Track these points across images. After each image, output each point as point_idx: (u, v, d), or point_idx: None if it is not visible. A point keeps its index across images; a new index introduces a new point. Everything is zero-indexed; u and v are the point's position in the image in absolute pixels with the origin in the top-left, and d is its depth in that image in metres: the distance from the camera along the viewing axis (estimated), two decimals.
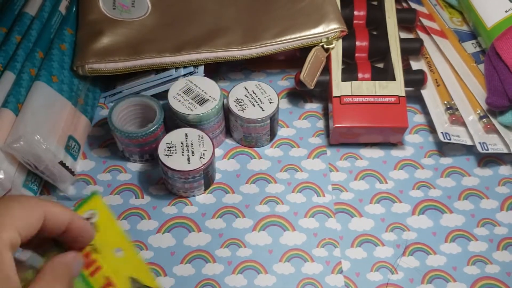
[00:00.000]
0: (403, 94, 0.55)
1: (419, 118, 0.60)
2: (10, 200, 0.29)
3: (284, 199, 0.53)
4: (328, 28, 0.57)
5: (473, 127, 0.55)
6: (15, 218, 0.28)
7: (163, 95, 0.54)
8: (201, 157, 0.49)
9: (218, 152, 0.56)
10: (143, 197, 0.53)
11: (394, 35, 0.58)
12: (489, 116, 0.55)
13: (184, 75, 0.56)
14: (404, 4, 0.66)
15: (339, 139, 0.56)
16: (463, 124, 0.56)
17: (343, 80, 0.56)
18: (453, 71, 0.59)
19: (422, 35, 0.62)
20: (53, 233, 0.31)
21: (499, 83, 0.54)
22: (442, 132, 0.55)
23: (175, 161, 0.49)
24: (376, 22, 0.61)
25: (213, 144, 0.50)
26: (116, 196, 0.53)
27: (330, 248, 0.50)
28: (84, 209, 0.38)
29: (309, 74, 0.55)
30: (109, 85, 0.60)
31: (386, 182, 0.54)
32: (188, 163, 0.49)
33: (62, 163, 0.49)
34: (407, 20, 0.62)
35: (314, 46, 0.56)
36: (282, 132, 0.58)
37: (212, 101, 0.52)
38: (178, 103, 0.52)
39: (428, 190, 0.54)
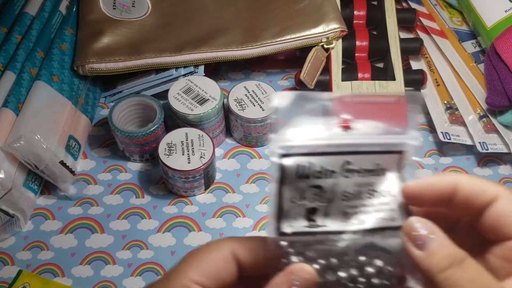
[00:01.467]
0: (403, 94, 0.55)
1: (419, 118, 0.60)
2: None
3: None
4: (328, 28, 0.57)
5: (473, 127, 0.55)
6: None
7: (164, 95, 0.54)
8: (201, 157, 0.49)
9: (218, 151, 0.56)
10: (144, 196, 0.53)
11: (394, 35, 0.58)
12: (489, 115, 0.55)
13: (184, 75, 0.56)
14: (404, 4, 0.66)
15: None
16: (463, 123, 0.56)
17: (343, 80, 0.56)
18: (453, 71, 0.59)
19: (422, 35, 0.62)
20: None
21: (499, 82, 0.54)
22: (442, 132, 0.55)
23: (175, 161, 0.49)
24: (376, 22, 0.61)
25: (213, 143, 0.50)
26: (116, 195, 0.53)
27: None
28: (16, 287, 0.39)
29: (309, 74, 0.55)
30: (110, 85, 0.60)
31: None
32: (189, 162, 0.49)
33: (62, 163, 0.49)
34: (407, 20, 0.62)
35: (314, 46, 0.56)
36: None
37: (212, 101, 0.52)
38: (179, 102, 0.52)
39: None
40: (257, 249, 0.26)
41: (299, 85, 0.57)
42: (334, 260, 0.25)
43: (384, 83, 0.55)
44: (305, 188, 0.25)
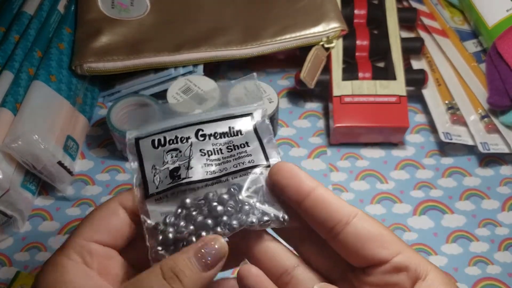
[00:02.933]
0: (404, 94, 0.54)
1: (420, 118, 0.59)
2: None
3: None
4: (329, 27, 0.56)
5: (475, 127, 0.55)
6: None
7: (162, 95, 0.54)
8: None
9: None
10: None
11: (395, 34, 0.58)
12: (490, 116, 0.55)
13: (183, 74, 0.56)
14: (405, 3, 0.66)
15: (340, 139, 0.56)
16: (464, 124, 0.55)
17: (344, 79, 0.55)
18: (454, 70, 0.59)
19: (423, 34, 0.61)
20: None
21: (500, 82, 0.54)
22: (443, 132, 0.55)
23: None
24: (377, 21, 0.61)
25: None
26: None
27: None
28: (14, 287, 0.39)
29: (309, 73, 0.55)
30: (108, 85, 0.60)
31: (387, 182, 0.54)
32: None
33: (60, 163, 0.49)
34: (408, 19, 0.61)
35: (314, 45, 0.56)
36: (282, 132, 0.58)
37: (212, 101, 0.52)
38: (177, 102, 0.52)
39: (429, 190, 0.53)
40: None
41: (299, 85, 0.56)
42: (195, 202, 0.29)
43: (385, 82, 0.55)
44: (163, 154, 0.30)
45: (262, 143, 0.31)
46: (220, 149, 0.30)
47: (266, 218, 0.28)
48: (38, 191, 0.52)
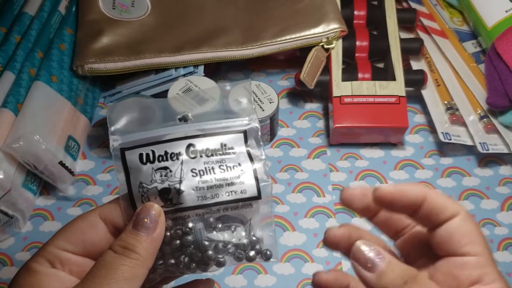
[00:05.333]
0: (403, 94, 0.55)
1: (419, 118, 0.60)
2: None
3: (284, 199, 0.53)
4: (328, 28, 0.57)
5: (474, 127, 0.55)
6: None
7: (163, 95, 0.54)
8: None
9: None
10: None
11: (395, 35, 0.58)
12: (489, 116, 0.55)
13: (184, 75, 0.56)
14: (404, 4, 0.66)
15: (339, 139, 0.56)
16: (464, 124, 0.56)
17: (343, 80, 0.56)
18: (453, 71, 0.59)
19: (422, 35, 0.62)
20: None
21: (499, 83, 0.54)
22: (442, 132, 0.55)
23: None
24: (376, 22, 0.61)
25: None
26: (115, 196, 0.52)
27: None
28: None
29: (309, 74, 0.55)
30: (109, 85, 0.60)
31: (386, 182, 0.54)
32: None
33: (61, 163, 0.49)
34: (407, 20, 0.62)
35: (314, 46, 0.56)
36: (282, 132, 0.58)
37: (212, 101, 0.52)
38: (178, 103, 0.52)
39: None
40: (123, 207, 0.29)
41: (299, 85, 0.57)
42: (186, 229, 0.29)
43: (385, 83, 0.55)
44: (151, 171, 0.29)
45: (254, 167, 0.30)
46: (213, 168, 0.29)
47: (252, 253, 0.29)
48: (39, 191, 0.52)
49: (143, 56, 0.55)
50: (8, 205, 0.47)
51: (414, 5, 0.64)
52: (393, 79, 0.56)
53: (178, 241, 0.29)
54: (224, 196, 0.29)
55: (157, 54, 0.55)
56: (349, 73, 0.56)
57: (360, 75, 0.56)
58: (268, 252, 0.30)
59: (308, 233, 0.50)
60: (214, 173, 0.29)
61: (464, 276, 0.25)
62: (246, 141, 0.30)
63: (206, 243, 0.29)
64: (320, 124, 0.59)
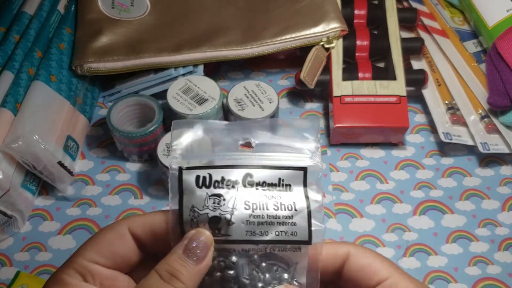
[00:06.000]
0: (404, 94, 0.54)
1: (420, 118, 0.59)
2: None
3: None
4: (329, 27, 0.56)
5: (475, 127, 0.55)
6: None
7: (162, 95, 0.54)
8: None
9: None
10: (142, 197, 0.52)
11: (395, 34, 0.58)
12: (490, 116, 0.55)
13: (184, 75, 0.56)
14: (405, 3, 0.66)
15: (340, 139, 0.56)
16: (465, 124, 0.55)
17: (344, 79, 0.55)
18: (454, 70, 0.59)
19: (423, 35, 0.61)
20: None
21: (500, 82, 0.54)
22: (443, 132, 0.55)
23: None
24: (377, 21, 0.61)
25: None
26: (115, 196, 0.52)
27: None
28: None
29: (309, 73, 0.55)
30: (108, 85, 0.60)
31: (387, 183, 0.54)
32: None
33: (60, 163, 0.49)
34: (408, 19, 0.61)
35: (314, 46, 0.56)
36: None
37: (212, 101, 0.52)
38: (177, 102, 0.52)
39: (429, 190, 0.53)
40: (153, 223, 0.28)
41: (299, 85, 0.56)
42: (230, 263, 0.28)
43: (385, 82, 0.55)
44: (205, 196, 0.28)
45: (310, 209, 0.28)
46: (266, 204, 0.28)
47: None
48: (38, 191, 0.52)
49: (143, 56, 0.55)
50: (7, 205, 0.46)
51: (414, 5, 0.64)
52: (394, 78, 0.55)
53: (219, 274, 0.28)
54: (273, 235, 0.28)
55: (157, 53, 0.55)
56: (350, 72, 0.56)
57: (360, 75, 0.56)
58: None
59: None
60: (267, 209, 0.28)
61: None
62: (305, 179, 0.29)
63: (247, 281, 0.28)
64: (321, 124, 0.59)
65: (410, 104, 0.60)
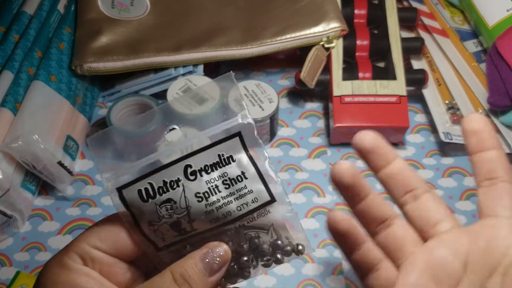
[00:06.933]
0: (404, 94, 0.54)
1: (420, 118, 0.59)
2: None
3: None
4: (329, 27, 0.56)
5: None
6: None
7: (162, 95, 0.54)
8: None
9: None
10: None
11: (395, 34, 0.58)
12: (490, 115, 0.55)
13: (183, 74, 0.55)
14: (405, 3, 0.66)
15: (340, 139, 0.56)
16: None
17: (344, 79, 0.55)
18: (454, 70, 0.59)
19: (423, 34, 0.61)
20: None
21: (500, 82, 0.54)
22: (443, 132, 0.55)
23: None
24: (377, 21, 0.61)
25: None
26: None
27: (331, 249, 0.49)
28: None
29: (309, 73, 0.55)
30: (108, 85, 0.60)
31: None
32: None
33: (60, 163, 0.49)
34: (408, 19, 0.61)
35: (314, 45, 0.56)
36: (282, 132, 0.58)
37: (212, 101, 0.52)
38: (177, 102, 0.52)
39: None
40: (117, 240, 0.28)
41: (299, 85, 0.56)
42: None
43: (385, 82, 0.55)
44: (156, 208, 0.27)
45: (259, 170, 0.28)
46: (217, 187, 0.27)
47: (279, 256, 0.29)
48: (38, 191, 0.52)
49: (142, 55, 0.55)
50: (6, 205, 0.46)
51: (415, 4, 0.64)
52: (394, 78, 0.55)
53: None
54: (236, 211, 0.27)
55: (157, 53, 0.55)
56: (350, 72, 0.56)
57: (360, 75, 0.55)
58: (300, 247, 0.29)
59: (309, 233, 0.50)
60: (219, 191, 0.27)
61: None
62: (243, 144, 0.28)
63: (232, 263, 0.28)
64: (320, 123, 0.59)
65: (410, 104, 0.60)
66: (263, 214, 0.28)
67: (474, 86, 0.57)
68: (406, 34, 0.63)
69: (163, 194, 0.27)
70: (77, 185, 0.53)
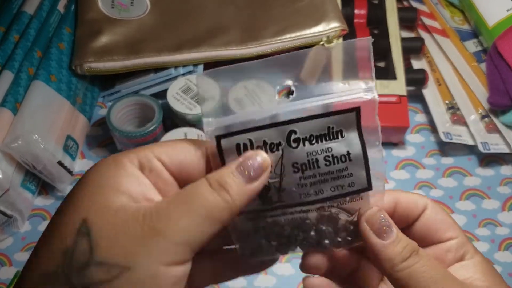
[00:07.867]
0: (404, 94, 0.54)
1: (420, 118, 0.59)
2: None
3: None
4: (329, 26, 0.56)
5: (475, 127, 0.55)
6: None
7: (162, 94, 0.54)
8: None
9: None
10: None
11: (395, 34, 0.58)
12: (490, 115, 0.55)
13: (183, 74, 0.55)
14: (405, 3, 0.66)
15: None
16: (465, 123, 0.55)
17: None
18: (454, 70, 0.59)
19: (423, 34, 0.61)
20: None
21: (500, 82, 0.54)
22: (443, 132, 0.55)
23: None
24: (377, 21, 0.61)
25: None
26: None
27: None
28: None
29: (309, 73, 0.55)
30: (108, 84, 0.60)
31: (387, 182, 0.54)
32: None
33: (60, 163, 0.49)
34: (408, 19, 0.61)
35: (314, 45, 0.56)
36: None
37: (212, 101, 0.52)
38: (177, 102, 0.52)
39: (430, 190, 0.53)
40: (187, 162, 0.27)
41: None
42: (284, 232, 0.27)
43: (386, 82, 0.55)
44: None
45: (366, 154, 0.25)
46: (317, 161, 0.25)
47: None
48: (38, 191, 0.52)
49: (142, 55, 0.55)
50: (6, 205, 0.46)
51: (415, 4, 0.64)
52: (394, 78, 0.55)
53: (275, 243, 0.27)
54: (329, 191, 0.25)
55: (157, 53, 0.55)
56: None
57: None
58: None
59: None
60: (318, 166, 0.25)
61: (451, 258, 0.28)
62: (358, 122, 0.25)
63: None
64: None
65: (410, 104, 0.60)
66: (354, 200, 0.26)
67: (474, 86, 0.57)
68: (406, 34, 0.63)
69: None
70: None
